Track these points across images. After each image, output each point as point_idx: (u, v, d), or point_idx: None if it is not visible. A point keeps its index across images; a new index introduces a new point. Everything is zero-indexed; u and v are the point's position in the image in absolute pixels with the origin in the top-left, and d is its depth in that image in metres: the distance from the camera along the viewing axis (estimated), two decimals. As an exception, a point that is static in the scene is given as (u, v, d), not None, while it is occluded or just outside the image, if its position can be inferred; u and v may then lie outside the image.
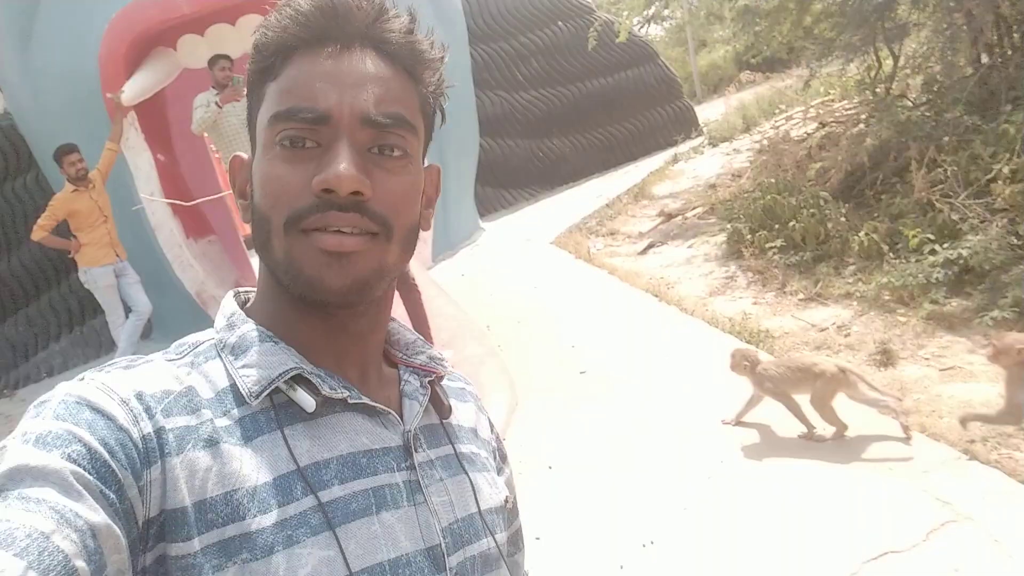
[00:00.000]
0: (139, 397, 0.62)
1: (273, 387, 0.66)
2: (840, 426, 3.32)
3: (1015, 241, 4.25)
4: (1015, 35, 5.66)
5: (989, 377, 3.55)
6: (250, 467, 0.63)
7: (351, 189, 0.64)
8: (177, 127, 7.49)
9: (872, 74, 6.87)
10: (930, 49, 5.83)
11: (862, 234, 4.84)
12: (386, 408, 0.71)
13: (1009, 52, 5.62)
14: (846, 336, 4.24)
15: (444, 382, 0.82)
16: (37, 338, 8.25)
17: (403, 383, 0.78)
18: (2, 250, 8.01)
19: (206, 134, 6.77)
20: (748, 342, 4.23)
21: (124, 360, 0.66)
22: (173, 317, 7.37)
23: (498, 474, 0.86)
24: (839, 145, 5.75)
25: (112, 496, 0.55)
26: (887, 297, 4.44)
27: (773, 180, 5.59)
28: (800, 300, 4.80)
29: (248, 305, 0.76)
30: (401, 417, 0.73)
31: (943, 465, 2.94)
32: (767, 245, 5.25)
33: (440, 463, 0.75)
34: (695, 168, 8.89)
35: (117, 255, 6.41)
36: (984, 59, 5.64)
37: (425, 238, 7.31)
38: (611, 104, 10.41)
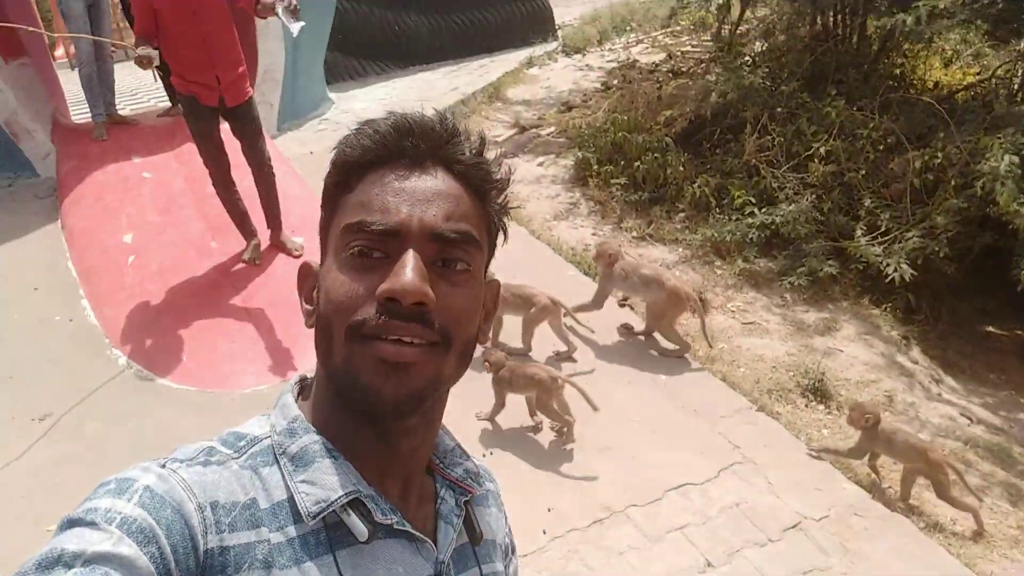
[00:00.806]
0: (214, 507, 0.64)
1: (331, 510, 0.68)
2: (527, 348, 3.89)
3: (818, 216, 4.93)
4: (851, 20, 6.27)
5: (781, 336, 4.23)
6: None
7: (415, 300, 0.67)
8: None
9: (720, 15, 7.30)
10: (778, 17, 6.33)
11: (695, 185, 5.36)
12: (424, 537, 0.74)
13: (843, 36, 6.23)
14: (669, 278, 4.78)
15: (479, 489, 0.84)
16: None
17: (439, 501, 0.81)
18: None
19: None
20: (585, 273, 4.65)
21: (202, 454, 0.69)
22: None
23: (507, 568, 0.92)
24: (687, 95, 6.17)
25: None
26: (708, 248, 5.01)
27: (625, 117, 5.93)
28: (634, 237, 5.28)
29: (304, 392, 0.79)
30: (436, 542, 0.77)
31: (737, 413, 3.55)
32: (611, 180, 5.64)
33: None
34: (548, 77, 9.05)
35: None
36: (823, 39, 6.22)
37: (272, 103, 6.99)
38: (474, -12, 10.18)
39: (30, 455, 3.37)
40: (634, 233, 5.32)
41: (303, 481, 0.69)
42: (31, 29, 5.67)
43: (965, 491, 3.18)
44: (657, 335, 4.05)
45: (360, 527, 0.69)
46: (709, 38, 7.82)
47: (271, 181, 4.65)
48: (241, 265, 4.67)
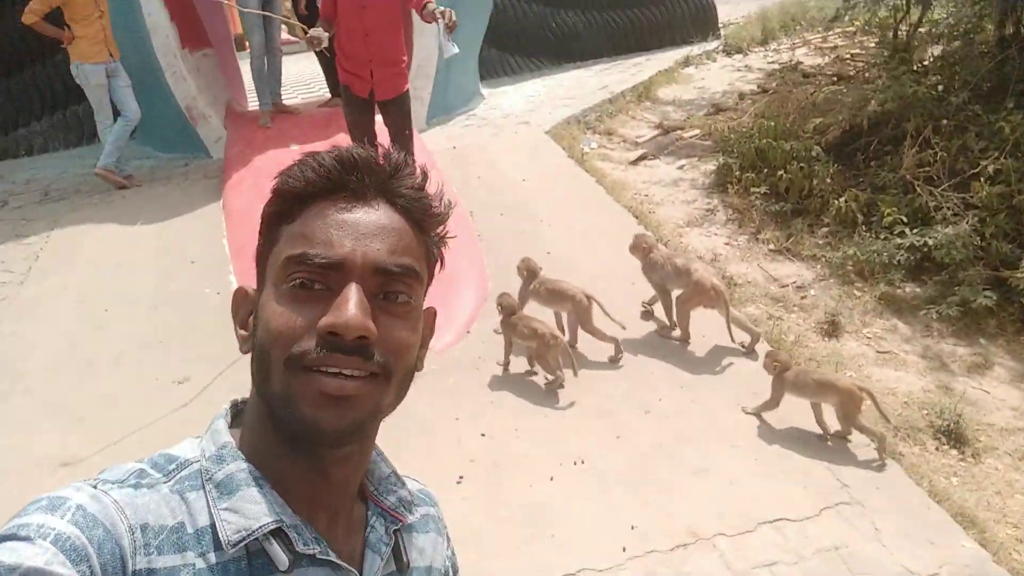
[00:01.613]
0: (143, 529, 0.65)
1: (251, 538, 0.68)
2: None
3: (979, 241, 4.48)
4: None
5: (919, 370, 3.89)
6: None
7: (357, 334, 0.68)
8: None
9: (897, 16, 6.78)
10: (957, 22, 5.79)
11: (842, 200, 5.02)
12: (348, 567, 0.74)
13: (1033, 41, 5.61)
14: (802, 298, 4.52)
15: (410, 517, 0.86)
16: (18, 112, 8.11)
17: (369, 529, 0.81)
18: (-8, 12, 7.68)
19: None
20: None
21: (133, 476, 0.69)
22: (161, 126, 7.32)
23: None
24: (844, 101, 5.79)
25: None
26: (850, 267, 4.69)
27: (772, 123, 5.64)
28: (770, 250, 5.03)
29: (239, 417, 0.79)
30: (361, 572, 0.77)
31: (854, 448, 3.30)
32: (752, 188, 5.40)
33: None
34: (704, 77, 8.78)
35: (111, 54, 6.26)
36: (1007, 44, 5.63)
37: (423, 98, 7.23)
38: (634, -14, 10.03)
39: (168, 416, 3.72)
40: (771, 246, 5.07)
41: (226, 509, 0.69)
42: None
43: (879, 420, 3.32)
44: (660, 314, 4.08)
45: (281, 556, 0.69)
46: (878, 41, 7.28)
47: (410, 137, 4.81)
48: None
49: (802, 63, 8.35)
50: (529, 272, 4.09)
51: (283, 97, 7.28)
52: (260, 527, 0.69)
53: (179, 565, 0.65)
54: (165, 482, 0.70)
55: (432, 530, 0.91)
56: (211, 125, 6.83)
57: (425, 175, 0.81)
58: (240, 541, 0.68)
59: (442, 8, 4.24)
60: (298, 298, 0.71)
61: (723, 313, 3.83)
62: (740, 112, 6.70)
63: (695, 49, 9.83)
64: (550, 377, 3.76)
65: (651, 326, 4.19)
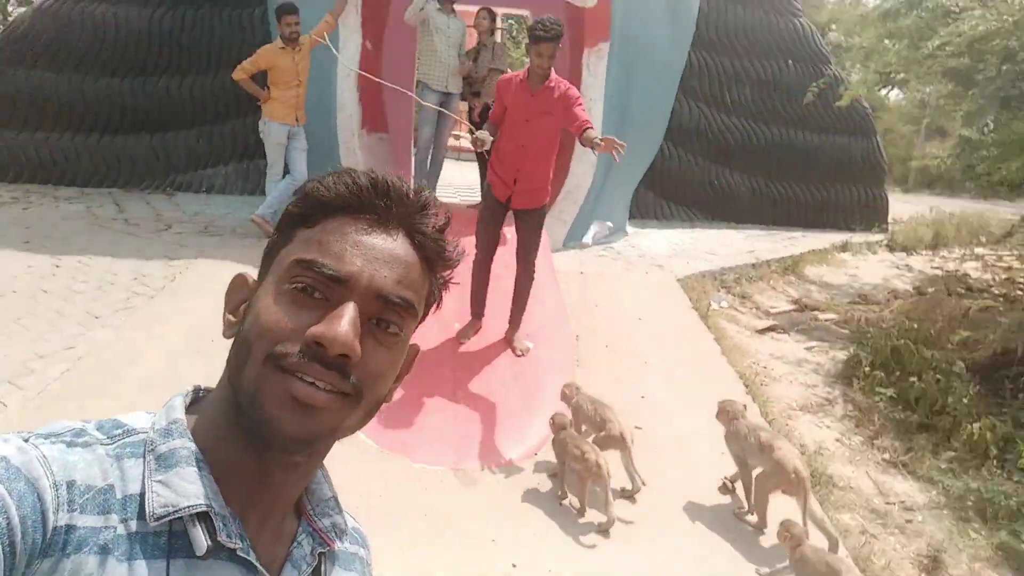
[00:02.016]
0: (69, 486, 0.64)
1: (177, 516, 0.67)
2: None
3: None
4: None
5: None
6: None
7: (341, 351, 0.69)
8: (393, 24, 7.79)
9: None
10: None
11: (978, 426, 4.52)
12: (265, 573, 0.72)
13: None
14: (907, 521, 4.02)
15: (339, 545, 0.85)
16: (210, 155, 8.95)
17: (295, 544, 0.79)
18: (212, 67, 8.65)
19: (418, 29, 6.93)
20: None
21: (70, 432, 0.68)
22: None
23: None
24: (1000, 322, 5.32)
25: (4, 571, 0.58)
26: (970, 503, 4.16)
27: (916, 325, 5.25)
28: (884, 460, 4.56)
29: (199, 403, 0.79)
30: None
31: None
32: (878, 388, 4.98)
33: None
34: (859, 266, 8.44)
35: (297, 119, 6.83)
36: None
37: (566, 220, 7.35)
38: (806, 162, 9.92)
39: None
40: (886, 455, 4.60)
41: (159, 482, 0.68)
42: (396, 87, 6.42)
43: None
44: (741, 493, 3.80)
45: (201, 541, 0.67)
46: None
47: (528, 285, 4.91)
48: (469, 354, 4.86)
49: (969, 275, 7.85)
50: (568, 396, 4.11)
51: (438, 191, 7.62)
52: (188, 507, 0.68)
53: (100, 527, 0.64)
54: (107, 444, 0.70)
55: (356, 571, 0.88)
56: (368, 203, 7.22)
57: (448, 219, 0.81)
58: (165, 516, 0.67)
59: (603, 137, 4.29)
60: (296, 301, 0.72)
61: (801, 504, 3.46)
62: (886, 307, 6.31)
63: (856, 236, 9.51)
64: (576, 504, 3.65)
65: (725, 500, 3.85)
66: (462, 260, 0.85)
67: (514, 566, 3.26)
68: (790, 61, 9.94)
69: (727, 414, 3.84)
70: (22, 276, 5.54)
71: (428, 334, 5.05)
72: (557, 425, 3.78)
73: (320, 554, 0.81)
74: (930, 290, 7.01)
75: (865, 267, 8.42)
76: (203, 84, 8.73)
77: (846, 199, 10.16)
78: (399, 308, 0.74)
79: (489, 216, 4.82)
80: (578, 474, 3.63)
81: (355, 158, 7.11)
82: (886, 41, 8.35)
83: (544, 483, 3.85)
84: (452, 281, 0.85)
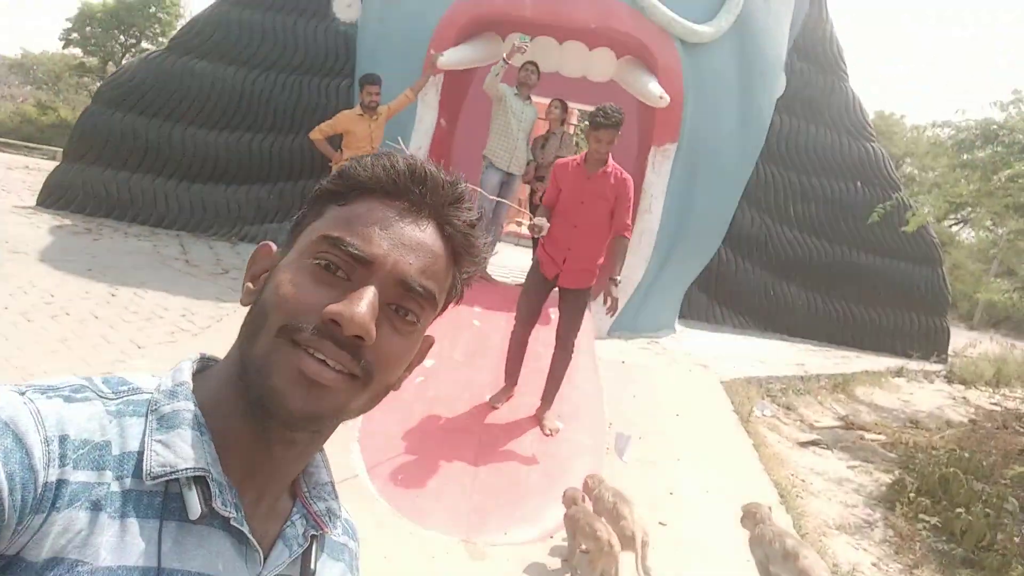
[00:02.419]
0: (62, 441, 0.62)
1: (173, 477, 0.66)
2: None
3: None
4: None
5: None
6: (110, 546, 0.63)
7: (357, 332, 0.68)
8: (471, 105, 8.09)
9: None
10: None
11: (1030, 569, 4.20)
12: (256, 545, 0.71)
13: None
14: (943, 662, 3.72)
15: (331, 530, 0.83)
16: (278, 211, 9.28)
17: (288, 524, 0.78)
18: (294, 128, 9.07)
19: (493, 107, 7.14)
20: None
21: (70, 387, 0.67)
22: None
23: None
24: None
25: None
26: (1015, 649, 3.83)
27: (967, 455, 4.98)
28: (923, 595, 4.26)
29: (205, 372, 0.77)
30: (265, 559, 0.73)
31: None
32: (922, 516, 4.70)
33: None
34: (913, 393, 8.13)
35: (366, 182, 7.04)
36: None
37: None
38: (868, 283, 9.77)
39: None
40: (925, 588, 4.31)
41: (159, 441, 0.67)
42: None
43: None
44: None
45: (195, 505, 0.66)
46: None
47: (564, 365, 4.87)
48: (497, 425, 4.79)
49: (1030, 416, 7.48)
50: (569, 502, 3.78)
51: (491, 272, 7.70)
52: (186, 468, 0.67)
53: (93, 482, 0.63)
54: (111, 399, 0.69)
55: (345, 562, 0.87)
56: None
57: (481, 216, 0.81)
58: (161, 476, 0.66)
59: (613, 292, 4.55)
60: (317, 277, 0.71)
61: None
62: (937, 434, 6.02)
63: (913, 364, 9.20)
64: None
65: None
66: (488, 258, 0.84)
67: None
68: (859, 183, 9.94)
69: (752, 517, 3.66)
70: (78, 300, 5.74)
71: (459, 398, 5.01)
72: (568, 499, 3.68)
73: (312, 537, 0.79)
74: (987, 425, 6.68)
75: (919, 395, 8.10)
76: (282, 143, 9.14)
77: (905, 325, 9.90)
78: (419, 297, 0.74)
79: (532, 290, 4.85)
80: (589, 554, 3.48)
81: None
82: (957, 170, 8.29)
83: (555, 566, 3.70)
84: (477, 278, 0.85)
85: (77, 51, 25.58)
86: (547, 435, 4.76)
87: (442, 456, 4.39)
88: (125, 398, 0.69)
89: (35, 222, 7.95)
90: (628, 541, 3.62)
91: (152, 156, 8.95)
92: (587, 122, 4.76)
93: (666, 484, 4.63)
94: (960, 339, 10.46)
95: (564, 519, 3.69)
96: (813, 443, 6.07)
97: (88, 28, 23.79)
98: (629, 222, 4.66)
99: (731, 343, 8.47)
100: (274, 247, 0.80)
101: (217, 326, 5.73)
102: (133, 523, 0.64)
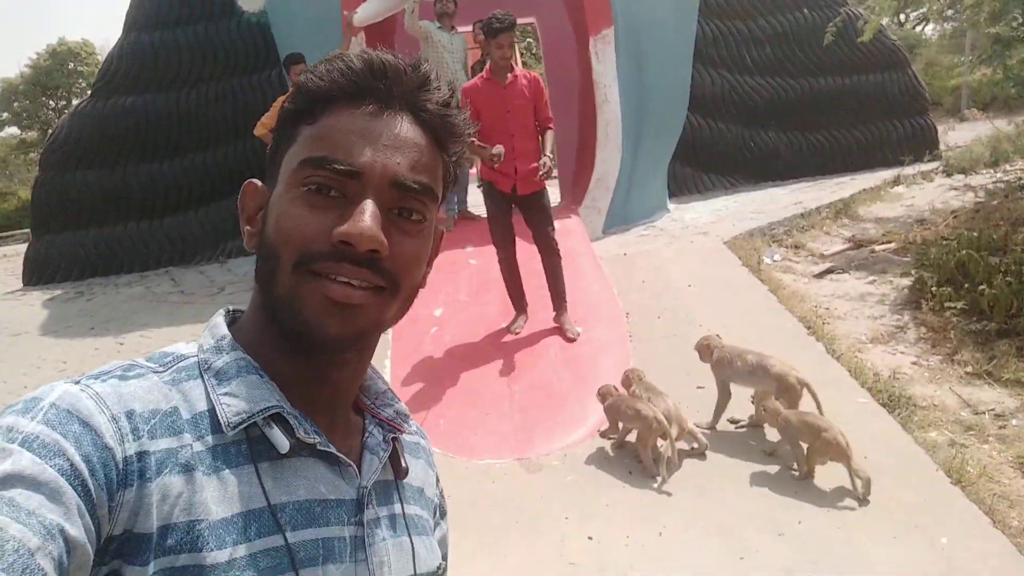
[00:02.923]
0: (129, 416, 0.63)
1: (252, 421, 0.67)
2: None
3: None
4: None
5: None
6: (216, 499, 0.64)
7: (370, 247, 0.68)
8: (402, 52, 7.93)
9: None
10: None
11: (1062, 319, 4.24)
12: (348, 461, 0.73)
13: None
14: (1001, 427, 3.78)
15: (402, 436, 0.85)
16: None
17: (367, 435, 0.80)
18: (240, 134, 8.95)
19: (422, 47, 7.01)
20: (884, 405, 3.90)
21: (119, 369, 0.68)
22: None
23: (435, 530, 0.90)
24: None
25: (86, 514, 0.57)
26: (1066, 398, 3.89)
27: (976, 234, 4.98)
28: (967, 373, 4.32)
29: (235, 326, 0.77)
30: (359, 471, 0.75)
31: None
32: (947, 304, 4.73)
33: (386, 522, 0.77)
34: (915, 196, 8.09)
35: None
36: None
37: (600, 208, 7.28)
38: (842, 106, 9.64)
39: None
40: (968, 368, 4.36)
41: (226, 393, 0.68)
42: None
43: None
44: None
45: (282, 440, 0.68)
46: None
47: (556, 262, 4.89)
48: (519, 347, 4.84)
49: (1032, 182, 7.44)
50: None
51: (469, 206, 7.67)
52: (262, 410, 0.68)
53: (175, 448, 0.64)
54: (160, 372, 0.69)
55: (423, 458, 0.90)
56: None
57: (452, 91, 0.78)
58: (240, 423, 0.67)
59: (546, 160, 4.63)
60: (312, 203, 0.70)
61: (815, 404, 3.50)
62: (945, 226, 6.01)
63: (909, 169, 9.14)
64: (644, 464, 3.55)
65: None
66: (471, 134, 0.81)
67: (590, 538, 3.19)
68: (805, 10, 9.72)
69: (707, 349, 3.89)
70: (89, 359, 5.79)
71: (476, 335, 5.06)
72: (603, 394, 3.76)
73: (393, 440, 0.81)
74: (994, 203, 6.66)
75: (922, 195, 8.07)
76: (235, 151, 9.05)
77: (891, 135, 9.80)
78: (418, 193, 0.72)
79: (498, 212, 4.89)
80: (639, 435, 3.55)
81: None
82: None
83: (607, 458, 3.77)
84: (465, 157, 0.83)
85: (14, 130, 25.28)
86: (571, 340, 4.81)
87: (476, 390, 4.46)
88: (174, 367, 0.70)
89: (26, 302, 7.99)
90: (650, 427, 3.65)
91: (115, 204, 8.91)
92: (482, 34, 4.77)
93: (693, 353, 4.67)
94: (955, 134, 10.34)
95: (605, 411, 3.77)
96: (828, 272, 6.09)
97: (15, 104, 23.48)
98: (550, 114, 4.81)
99: (726, 205, 8.44)
100: (259, 183, 0.78)
101: (228, 341, 5.77)
102: (228, 474, 0.65)
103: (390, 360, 5.00)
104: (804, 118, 9.65)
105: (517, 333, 4.95)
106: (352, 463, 0.74)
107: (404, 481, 0.83)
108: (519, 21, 10.84)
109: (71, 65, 23.18)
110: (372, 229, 0.67)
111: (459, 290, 5.76)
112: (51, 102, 23.80)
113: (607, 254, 6.54)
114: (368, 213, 0.68)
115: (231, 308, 0.80)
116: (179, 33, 9.10)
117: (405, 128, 0.73)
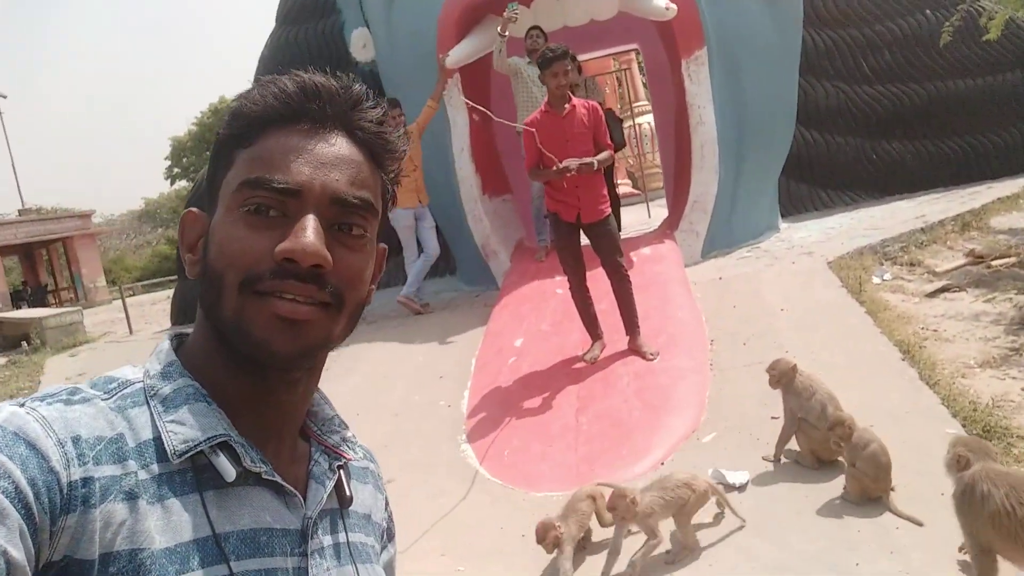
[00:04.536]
0: (75, 441, 0.62)
1: (198, 450, 0.67)
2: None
3: None
4: None
5: None
6: (160, 528, 0.64)
7: (314, 262, 0.69)
8: (496, 92, 8.14)
9: None
10: None
11: None
12: (293, 490, 0.74)
13: None
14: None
15: (353, 456, 0.86)
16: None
17: (312, 463, 0.81)
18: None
19: (512, 83, 7.17)
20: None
21: (64, 392, 0.67)
22: (465, 262, 8.22)
23: (382, 554, 0.91)
24: None
25: (28, 537, 0.56)
26: None
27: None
28: (1085, 399, 3.85)
29: (182, 350, 0.77)
30: (304, 500, 0.76)
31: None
32: (1066, 323, 4.24)
33: (331, 552, 0.77)
34: (1057, 203, 7.32)
35: (420, 201, 7.27)
36: None
37: (698, 232, 7.09)
38: (975, 110, 8.88)
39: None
40: (1088, 394, 3.89)
41: (172, 421, 0.68)
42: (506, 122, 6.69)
43: None
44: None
45: (228, 468, 0.68)
46: None
47: (626, 287, 4.87)
48: (592, 377, 4.79)
49: None
50: None
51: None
52: (208, 438, 0.68)
53: (119, 475, 0.63)
54: (105, 398, 0.69)
55: (371, 483, 0.90)
56: (500, 260, 7.43)
57: (384, 110, 0.80)
58: (187, 452, 0.67)
59: (583, 161, 4.64)
60: (252, 223, 0.71)
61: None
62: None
63: (1055, 173, 8.28)
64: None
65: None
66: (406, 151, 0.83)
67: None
68: (927, 11, 9.10)
69: (781, 372, 3.68)
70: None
71: (553, 365, 5.06)
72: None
73: (338, 468, 0.82)
74: None
75: (1067, 203, 7.28)
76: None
77: (1034, 136, 8.93)
78: (358, 209, 0.74)
79: (566, 242, 4.92)
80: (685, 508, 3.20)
81: (482, 224, 7.39)
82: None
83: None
84: (402, 175, 0.84)
85: (184, 183, 27.93)
86: (649, 359, 4.73)
87: (544, 421, 4.46)
88: (119, 394, 0.70)
89: (170, 340, 8.75)
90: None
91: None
92: (539, 68, 4.82)
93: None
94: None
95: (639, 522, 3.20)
96: (943, 290, 5.61)
97: (184, 159, 25.93)
98: (609, 140, 4.86)
99: (841, 222, 7.98)
100: (197, 211, 0.78)
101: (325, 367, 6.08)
102: (174, 502, 0.65)
103: (469, 391, 5.11)
104: (932, 125, 8.99)
105: (592, 362, 4.91)
106: (298, 492, 0.75)
107: (350, 508, 0.83)
108: (622, 48, 10.90)
109: (231, 119, 25.34)
110: (315, 244, 0.68)
111: (542, 320, 5.79)
112: (214, 155, 26.09)
113: (702, 278, 6.36)
114: (310, 228, 0.69)
115: (177, 331, 0.81)
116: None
117: (341, 145, 0.74)
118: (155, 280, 20.24)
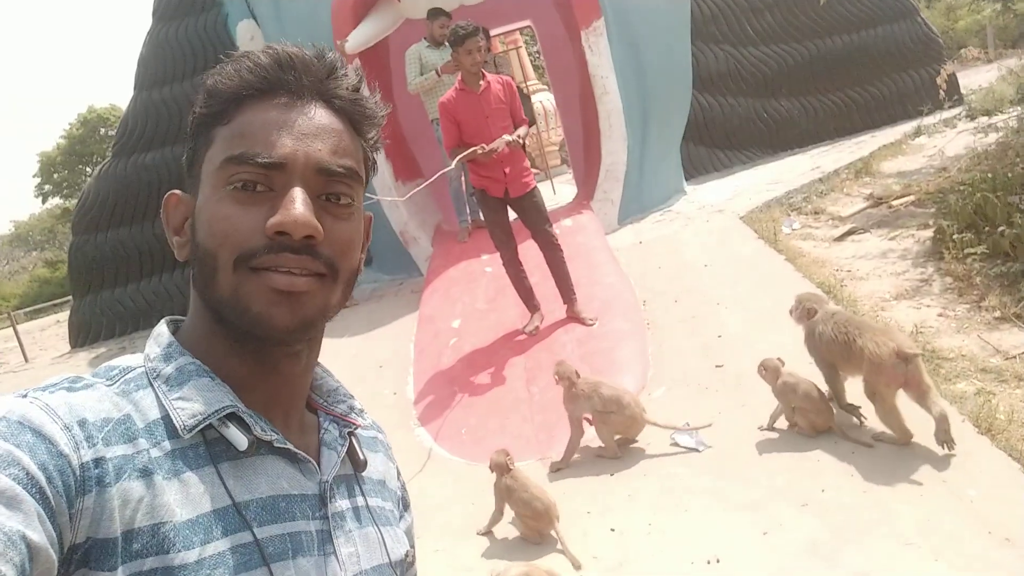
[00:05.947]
0: (82, 424, 0.62)
1: (207, 423, 0.68)
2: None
3: None
4: None
5: None
6: (179, 501, 0.64)
7: (305, 233, 0.68)
8: (398, 77, 8.01)
9: None
10: None
11: (1088, 251, 4.07)
12: (306, 456, 0.74)
13: None
14: (1032, 370, 3.65)
15: (359, 431, 0.86)
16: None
17: (323, 431, 0.81)
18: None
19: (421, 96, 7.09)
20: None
21: (67, 380, 0.67)
22: (383, 252, 8.08)
23: (400, 522, 0.90)
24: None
25: (47, 520, 0.56)
26: (1100, 331, 3.73)
27: (991, 175, 4.80)
28: (994, 319, 4.17)
29: (179, 334, 0.77)
30: (319, 466, 0.76)
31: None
32: (967, 251, 4.57)
33: (351, 515, 0.78)
34: (936, 145, 7.84)
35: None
36: None
37: (613, 200, 7.23)
38: (853, 64, 9.43)
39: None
40: (996, 313, 4.21)
41: (179, 398, 0.69)
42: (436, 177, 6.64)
43: None
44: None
45: (240, 437, 0.68)
46: None
47: (558, 255, 4.92)
48: (536, 348, 4.83)
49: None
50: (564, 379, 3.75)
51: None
52: (216, 410, 0.68)
53: (131, 454, 0.63)
54: (107, 384, 0.69)
55: (381, 451, 0.91)
56: (420, 246, 7.36)
57: (361, 77, 0.79)
58: (196, 426, 0.67)
59: (512, 137, 4.67)
60: (240, 200, 0.70)
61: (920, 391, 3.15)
62: (959, 171, 5.82)
63: (930, 118, 8.87)
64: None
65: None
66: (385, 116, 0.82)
67: (612, 530, 3.18)
68: (802, -27, 9.55)
69: (805, 310, 3.60)
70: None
71: (494, 341, 5.07)
72: (560, 377, 3.72)
73: (349, 434, 0.82)
74: (1011, 141, 6.42)
75: (944, 144, 7.81)
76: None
77: (908, 85, 9.55)
78: (343, 177, 0.73)
79: (496, 217, 4.92)
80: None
81: (397, 211, 7.28)
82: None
83: (629, 450, 3.73)
84: (384, 140, 0.84)
85: (58, 200, 26.25)
86: (589, 324, 4.80)
87: (496, 396, 4.47)
88: (121, 379, 0.70)
89: (73, 364, 8.27)
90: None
91: (148, 258, 9.17)
92: (451, 46, 4.78)
93: (713, 330, 4.62)
94: (983, 76, 10.00)
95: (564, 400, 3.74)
96: (849, 234, 5.95)
97: (55, 175, 24.36)
98: (524, 116, 4.87)
99: (743, 180, 8.31)
100: (181, 193, 0.78)
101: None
102: (190, 476, 0.65)
103: (413, 375, 5.05)
104: (816, 81, 9.47)
105: (534, 333, 4.95)
106: (311, 459, 0.75)
107: (364, 474, 0.83)
108: (516, 25, 10.92)
109: (102, 131, 23.99)
110: (305, 215, 0.68)
111: (476, 299, 5.78)
112: (88, 169, 24.64)
113: (623, 244, 6.49)
114: (299, 200, 0.69)
115: (171, 317, 0.80)
116: (186, 86, 9.35)
117: (320, 115, 0.74)
118: (37, 306, 18.93)
